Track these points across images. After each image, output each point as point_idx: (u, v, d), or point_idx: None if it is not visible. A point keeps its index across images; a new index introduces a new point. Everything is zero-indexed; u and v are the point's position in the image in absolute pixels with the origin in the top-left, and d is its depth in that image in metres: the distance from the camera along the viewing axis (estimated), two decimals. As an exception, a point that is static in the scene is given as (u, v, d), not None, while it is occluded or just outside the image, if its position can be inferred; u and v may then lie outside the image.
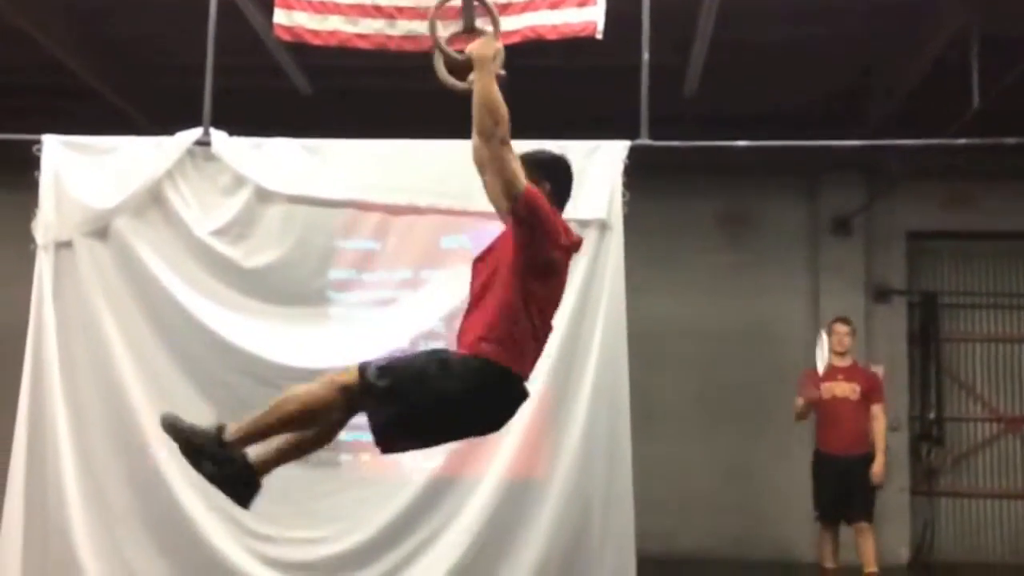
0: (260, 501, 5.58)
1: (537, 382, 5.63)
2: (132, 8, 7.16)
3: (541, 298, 3.43)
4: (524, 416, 5.61)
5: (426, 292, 5.86)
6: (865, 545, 6.72)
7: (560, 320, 5.61)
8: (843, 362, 7.08)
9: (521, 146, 5.86)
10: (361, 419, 5.08)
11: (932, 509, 9.20)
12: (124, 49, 7.90)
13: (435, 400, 3.26)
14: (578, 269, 5.70)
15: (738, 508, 9.00)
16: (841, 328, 7.16)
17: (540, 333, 3.48)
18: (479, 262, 3.57)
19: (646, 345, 6.72)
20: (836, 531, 6.89)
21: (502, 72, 3.49)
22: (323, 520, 5.74)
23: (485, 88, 3.31)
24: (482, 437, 5.59)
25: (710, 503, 9.00)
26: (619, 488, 5.59)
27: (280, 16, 6.03)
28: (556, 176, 3.65)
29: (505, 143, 3.28)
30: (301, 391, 3.25)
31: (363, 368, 3.24)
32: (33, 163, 5.93)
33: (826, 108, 8.45)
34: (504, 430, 5.48)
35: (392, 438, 3.36)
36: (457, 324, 5.73)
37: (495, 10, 3.64)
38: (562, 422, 5.64)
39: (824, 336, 7.23)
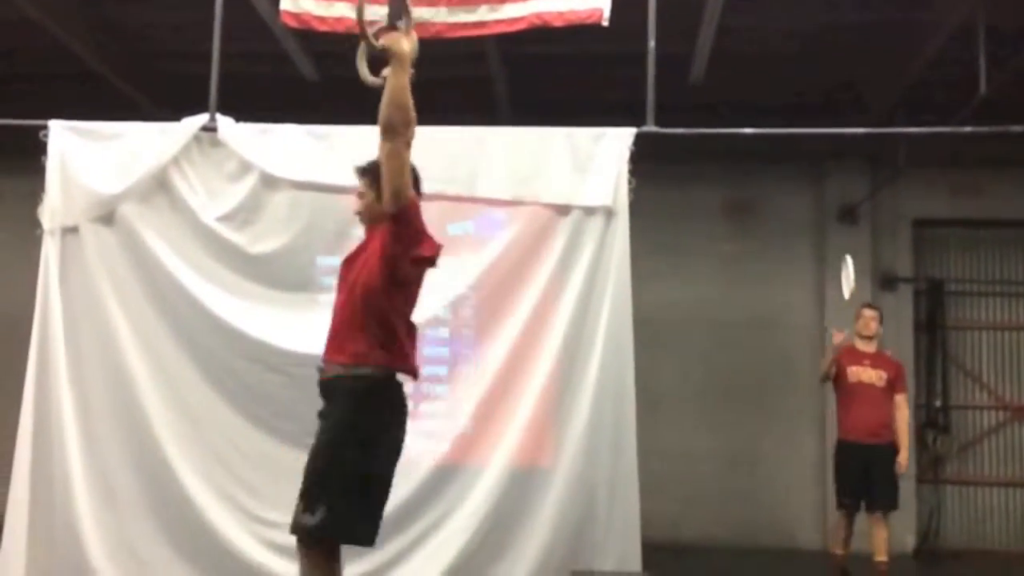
0: (267, 487, 5.70)
1: (543, 368, 5.71)
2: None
3: (402, 302, 3.53)
4: (529, 403, 5.66)
5: (431, 279, 5.84)
6: (880, 535, 6.64)
7: (565, 307, 5.69)
8: (869, 348, 6.92)
9: (528, 134, 5.90)
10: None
11: (938, 497, 9.21)
12: (131, 35, 7.90)
13: (364, 466, 3.35)
14: (584, 256, 5.72)
15: (743, 495, 9.02)
16: (868, 313, 6.99)
17: (410, 330, 3.59)
18: (346, 265, 3.60)
19: (651, 332, 6.72)
20: (853, 519, 6.81)
21: (411, 70, 3.45)
22: (330, 506, 5.74)
23: (400, 85, 3.26)
24: (484, 425, 5.67)
25: (715, 490, 9.02)
26: (624, 475, 5.59)
27: (286, 2, 6.03)
28: (416, 188, 3.65)
29: (408, 146, 3.25)
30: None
31: (297, 530, 3.34)
32: (39, 148, 5.94)
33: (832, 96, 8.43)
34: (511, 416, 5.61)
35: (368, 530, 3.46)
36: (463, 311, 5.90)
37: (409, 6, 3.56)
38: (567, 409, 5.64)
39: (849, 260, 6.99)
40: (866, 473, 6.67)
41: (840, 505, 6.87)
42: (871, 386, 6.77)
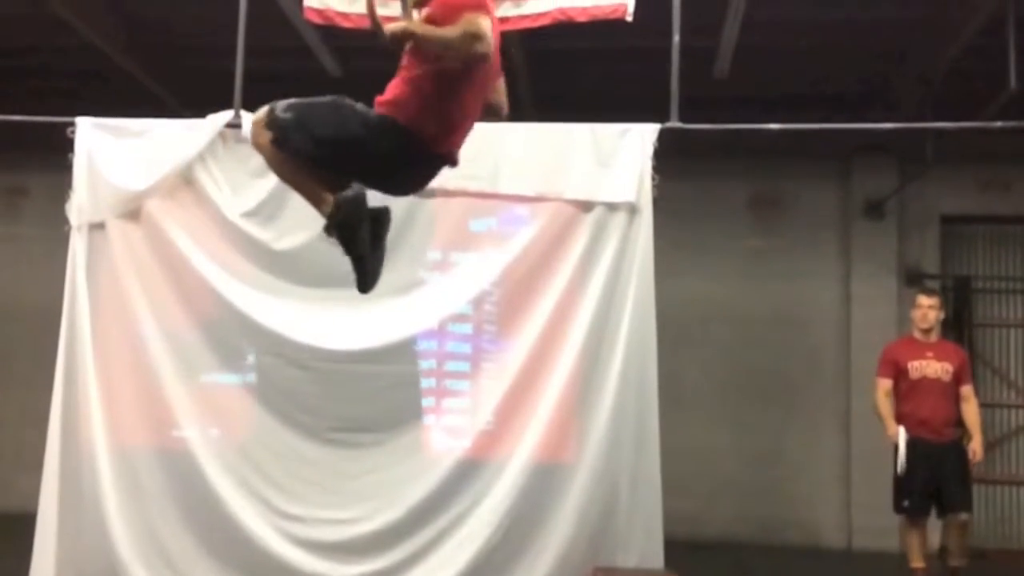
0: (289, 481, 5.73)
1: (565, 365, 5.71)
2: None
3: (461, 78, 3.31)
4: (552, 400, 5.66)
5: (455, 275, 5.87)
6: (961, 538, 6.21)
7: (588, 303, 5.69)
8: (930, 339, 6.35)
9: (551, 130, 5.89)
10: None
11: (964, 496, 9.11)
12: (156, 32, 7.94)
13: (336, 132, 3.26)
14: (607, 252, 5.72)
15: (766, 493, 8.97)
16: (925, 301, 6.38)
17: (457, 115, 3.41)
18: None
19: (675, 329, 6.70)
20: (925, 524, 6.28)
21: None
22: (352, 500, 5.78)
23: (428, 37, 3.15)
24: (507, 421, 5.65)
25: (738, 487, 8.98)
26: (647, 471, 5.59)
27: (311, -1, 6.05)
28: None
29: (477, 37, 3.10)
30: (267, 161, 3.36)
31: (272, 108, 3.29)
32: (66, 145, 5.99)
33: (859, 90, 8.36)
34: (533, 412, 5.61)
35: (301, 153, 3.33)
36: (485, 307, 5.91)
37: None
38: (590, 405, 5.64)
39: (903, 434, 6.23)
40: (934, 474, 6.17)
41: (899, 509, 6.28)
42: (936, 380, 6.24)
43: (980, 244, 9.52)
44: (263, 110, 3.32)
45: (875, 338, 7.99)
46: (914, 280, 9.14)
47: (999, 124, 6.19)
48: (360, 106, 3.34)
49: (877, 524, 7.31)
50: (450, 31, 3.14)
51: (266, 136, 3.28)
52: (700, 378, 9.06)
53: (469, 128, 3.52)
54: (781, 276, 9.23)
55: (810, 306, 9.25)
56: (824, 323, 9.19)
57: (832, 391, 9.07)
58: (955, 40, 6.94)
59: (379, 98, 3.35)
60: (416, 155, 3.38)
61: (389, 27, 3.17)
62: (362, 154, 3.32)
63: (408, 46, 3.23)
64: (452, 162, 3.49)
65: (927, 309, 6.38)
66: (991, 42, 6.38)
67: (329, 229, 3.37)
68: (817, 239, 9.34)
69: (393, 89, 3.36)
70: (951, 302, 9.31)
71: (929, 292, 6.59)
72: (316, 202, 3.40)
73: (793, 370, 9.11)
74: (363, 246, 3.37)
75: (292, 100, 3.33)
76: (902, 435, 6.23)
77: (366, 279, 3.42)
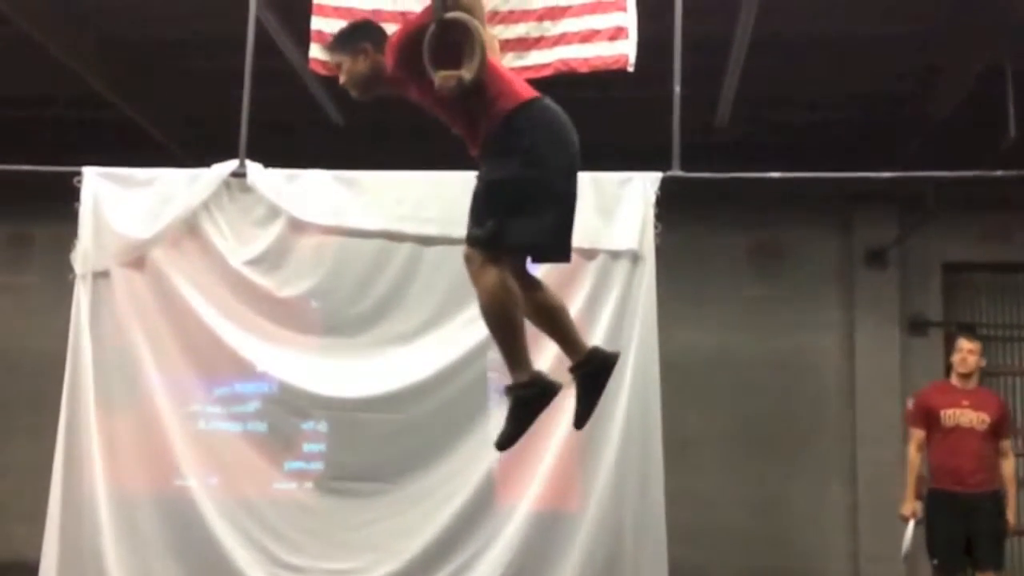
0: (291, 531, 5.68)
1: (568, 413, 5.66)
2: (170, 42, 7.29)
3: None
4: (556, 448, 5.62)
5: (457, 323, 5.86)
6: None
7: (592, 351, 5.66)
8: (968, 385, 6.12)
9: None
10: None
11: (971, 546, 9.01)
12: (162, 82, 8.03)
13: (537, 177, 3.19)
14: (609, 300, 5.71)
15: (771, 542, 8.89)
16: (966, 345, 6.15)
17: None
18: None
19: (678, 377, 6.67)
20: None
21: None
22: (354, 551, 5.72)
23: (485, 58, 3.17)
24: (510, 468, 5.62)
25: (743, 536, 8.90)
26: (651, 520, 5.54)
27: (316, 50, 6.10)
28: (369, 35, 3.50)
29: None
30: (484, 307, 3.17)
31: (472, 240, 3.15)
32: (70, 194, 6.02)
33: (859, 138, 8.41)
34: (537, 460, 5.57)
35: (547, 243, 3.29)
36: (489, 354, 5.86)
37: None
38: (594, 454, 5.60)
39: (911, 527, 6.07)
40: (968, 528, 5.93)
41: (936, 566, 6.03)
42: (971, 430, 5.99)
43: (983, 292, 9.52)
44: (468, 252, 3.17)
45: (879, 386, 7.99)
46: (918, 328, 9.14)
47: (999, 173, 6.20)
48: (490, 160, 3.28)
49: (886, 575, 7.22)
50: (476, 30, 3.08)
51: (491, 270, 3.10)
52: (704, 427, 9.01)
53: None
54: (784, 325, 9.22)
55: (813, 355, 9.23)
56: (828, 371, 9.17)
57: (837, 439, 9.02)
58: (954, 88, 7.01)
59: (484, 139, 3.30)
60: (544, 103, 3.36)
61: (447, 86, 3.12)
62: (546, 165, 3.24)
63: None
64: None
65: (967, 353, 6.14)
66: (990, 90, 6.44)
67: (510, 392, 3.28)
68: (819, 288, 9.34)
69: (480, 126, 3.31)
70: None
71: (970, 336, 6.31)
72: (516, 362, 3.25)
73: (797, 419, 9.07)
74: (525, 424, 3.33)
75: (471, 217, 3.22)
76: (911, 528, 6.06)
77: (506, 442, 3.37)
